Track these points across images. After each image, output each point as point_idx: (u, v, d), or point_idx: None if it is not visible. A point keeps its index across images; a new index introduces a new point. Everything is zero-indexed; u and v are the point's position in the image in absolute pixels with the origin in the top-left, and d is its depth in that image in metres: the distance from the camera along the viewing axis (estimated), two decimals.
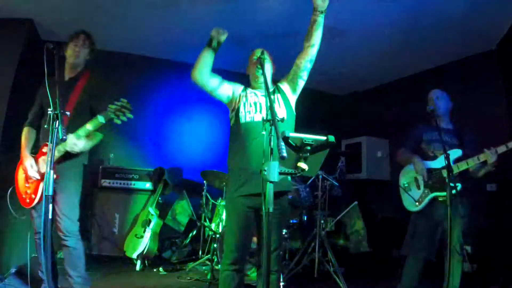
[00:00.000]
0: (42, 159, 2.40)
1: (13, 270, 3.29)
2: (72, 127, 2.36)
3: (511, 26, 3.61)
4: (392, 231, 4.58)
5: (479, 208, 3.65)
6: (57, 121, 1.82)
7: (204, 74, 2.19)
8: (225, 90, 2.29)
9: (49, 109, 1.86)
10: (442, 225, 2.72)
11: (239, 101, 2.25)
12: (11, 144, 3.57)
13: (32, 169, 2.39)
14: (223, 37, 2.18)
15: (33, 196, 2.37)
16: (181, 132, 5.06)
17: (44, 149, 2.42)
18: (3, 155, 3.45)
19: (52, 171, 1.81)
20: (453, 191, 2.28)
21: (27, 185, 2.44)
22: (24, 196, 2.44)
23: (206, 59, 2.19)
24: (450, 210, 2.27)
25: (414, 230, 2.84)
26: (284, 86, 2.35)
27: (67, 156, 2.39)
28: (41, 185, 2.36)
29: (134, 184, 4.33)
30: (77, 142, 2.34)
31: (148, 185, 4.36)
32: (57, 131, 1.82)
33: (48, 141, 2.18)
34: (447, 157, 2.35)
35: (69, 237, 2.40)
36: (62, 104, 2.11)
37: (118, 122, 2.25)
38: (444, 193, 2.60)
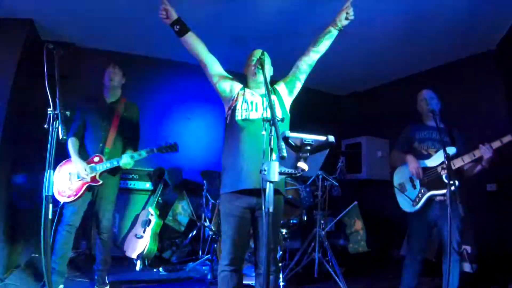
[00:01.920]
0: (89, 166, 2.91)
1: (13, 270, 3.29)
2: (114, 148, 3.00)
3: (511, 26, 3.61)
4: (392, 231, 4.58)
5: (479, 208, 3.66)
6: (57, 121, 1.84)
7: (198, 55, 2.30)
8: (224, 82, 2.32)
9: (49, 109, 1.87)
10: (438, 225, 2.71)
11: (236, 99, 2.25)
12: (11, 143, 3.57)
13: (85, 172, 2.85)
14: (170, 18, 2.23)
15: (75, 192, 2.87)
16: (181, 132, 5.05)
17: (96, 159, 2.95)
18: (3, 155, 3.44)
19: (51, 171, 1.81)
20: (452, 188, 2.28)
21: (71, 182, 2.90)
22: (63, 191, 2.88)
23: (186, 46, 2.30)
24: (450, 210, 2.27)
25: (410, 231, 2.84)
26: (281, 87, 2.35)
27: (112, 168, 2.95)
28: (85, 186, 2.89)
29: (134, 184, 4.33)
30: (131, 162, 2.95)
31: (148, 185, 4.36)
32: (57, 131, 1.84)
33: (96, 153, 2.96)
34: (447, 157, 2.35)
35: (105, 233, 3.00)
36: (107, 126, 2.99)
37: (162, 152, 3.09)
38: (441, 191, 2.60)
